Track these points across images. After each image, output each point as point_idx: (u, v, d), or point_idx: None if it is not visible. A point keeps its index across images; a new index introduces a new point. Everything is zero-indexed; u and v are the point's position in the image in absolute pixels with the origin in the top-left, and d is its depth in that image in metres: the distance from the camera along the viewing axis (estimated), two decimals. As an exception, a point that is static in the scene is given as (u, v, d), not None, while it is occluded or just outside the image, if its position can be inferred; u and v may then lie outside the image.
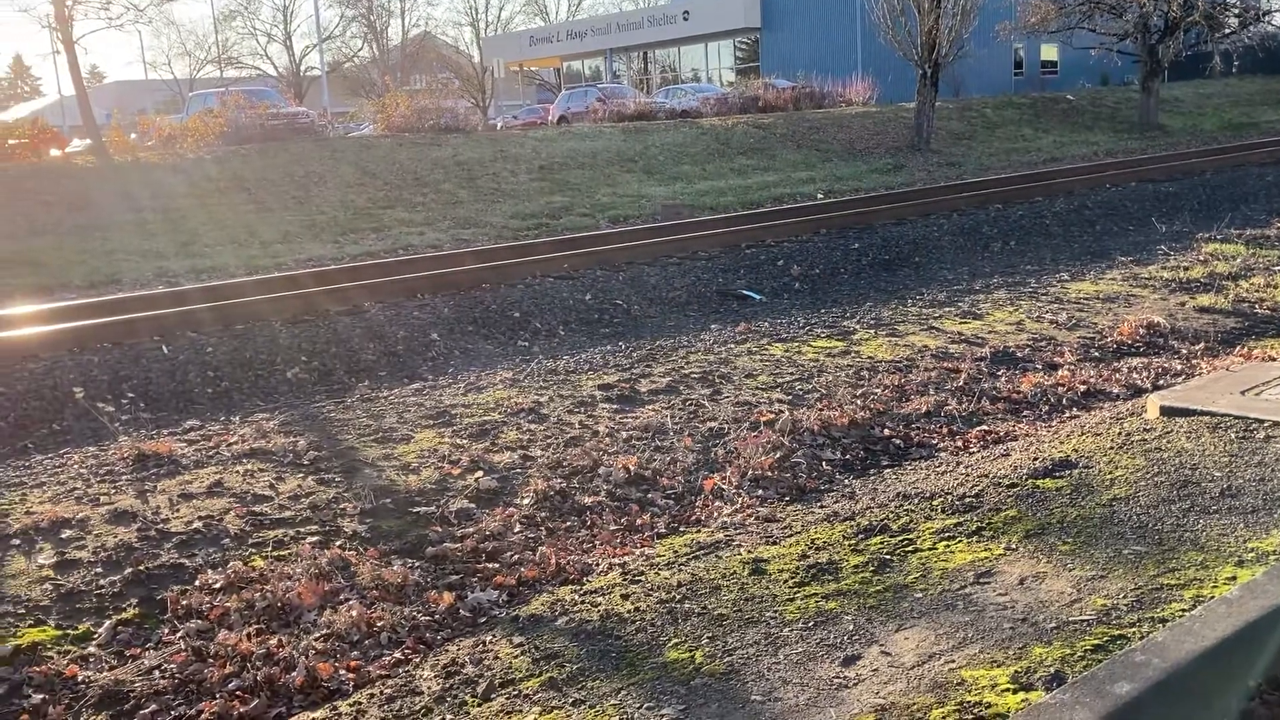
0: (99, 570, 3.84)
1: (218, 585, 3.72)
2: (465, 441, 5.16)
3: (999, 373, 6.14)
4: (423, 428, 5.39)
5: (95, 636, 3.46)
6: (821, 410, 5.36)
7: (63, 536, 4.10)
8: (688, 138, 23.16)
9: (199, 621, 3.51)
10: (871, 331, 7.27)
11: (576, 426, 5.36)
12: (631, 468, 4.71)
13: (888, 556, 3.45)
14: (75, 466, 4.98)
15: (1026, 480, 4.02)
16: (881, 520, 3.79)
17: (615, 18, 58.38)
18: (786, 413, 5.32)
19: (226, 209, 16.43)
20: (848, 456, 4.88)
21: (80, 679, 3.22)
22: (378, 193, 17.77)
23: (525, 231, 14.43)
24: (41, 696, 3.14)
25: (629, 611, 3.24)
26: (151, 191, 17.24)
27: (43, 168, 19.02)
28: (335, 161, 19.61)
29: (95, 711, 3.08)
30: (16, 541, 4.06)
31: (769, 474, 4.62)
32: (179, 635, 3.43)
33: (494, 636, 3.25)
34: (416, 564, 3.94)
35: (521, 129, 32.18)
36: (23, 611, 3.55)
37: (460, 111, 27.73)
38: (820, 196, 16.50)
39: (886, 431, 5.16)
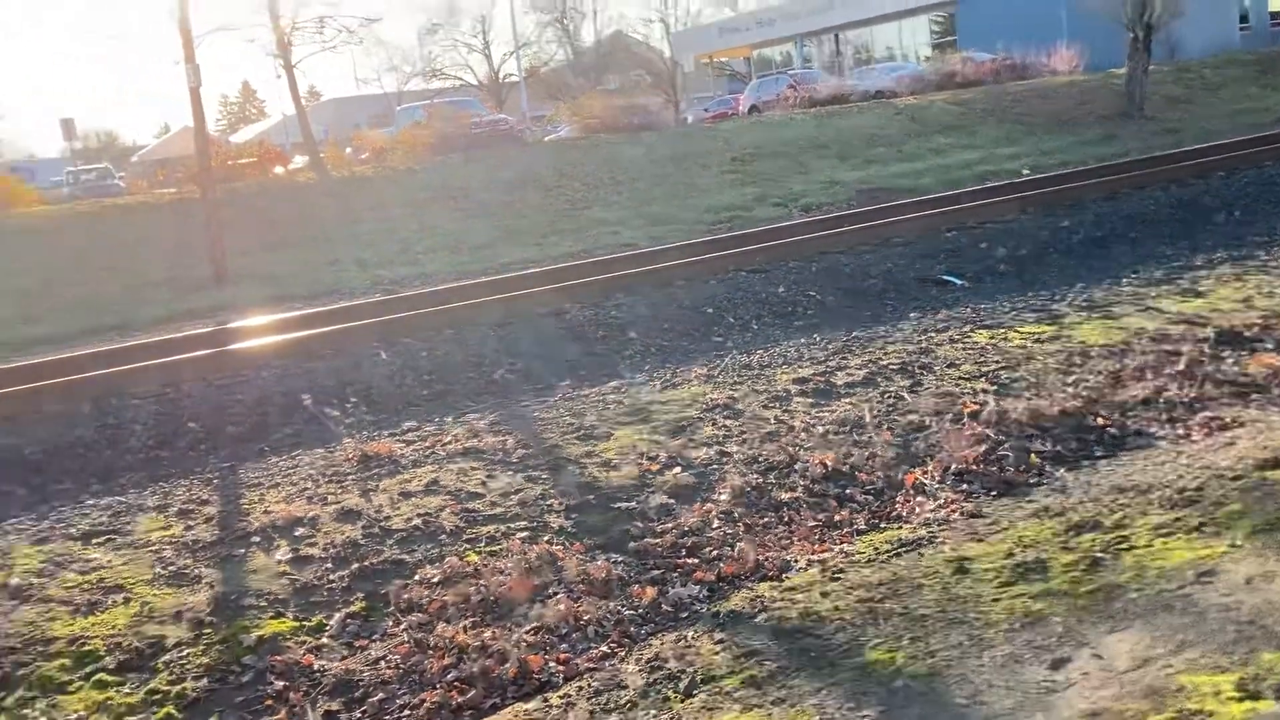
0: (329, 565, 4.13)
1: (435, 580, 3.93)
2: (663, 438, 5.25)
3: (1224, 354, 5.75)
4: (622, 425, 5.51)
5: (327, 628, 3.72)
6: (1030, 400, 5.17)
7: (296, 534, 4.43)
8: (882, 119, 22.65)
9: (419, 615, 3.72)
10: (1083, 314, 6.94)
11: (772, 421, 5.37)
12: (829, 463, 4.69)
13: (1100, 554, 3.31)
14: (306, 468, 5.36)
15: (1254, 472, 3.77)
16: (1094, 516, 3.63)
17: (805, 2, 57.60)
18: (992, 403, 5.16)
19: (435, 217, 17.22)
20: (1058, 448, 4.69)
21: (315, 668, 3.48)
22: (575, 194, 18.21)
23: (718, 225, 14.48)
24: (283, 684, 3.41)
25: (828, 610, 3.24)
26: (366, 203, 18.26)
27: (269, 185, 20.46)
28: (534, 165, 20.22)
29: (330, 699, 3.33)
30: (257, 539, 4.41)
31: (973, 468, 4.50)
32: (401, 628, 3.66)
33: (695, 632, 3.31)
34: (619, 559, 4.05)
35: (712, 121, 32.23)
36: (264, 604, 3.86)
37: (652, 108, 28.06)
38: (1025, 173, 15.82)
39: (1100, 420, 4.92)
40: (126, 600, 3.93)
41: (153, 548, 4.42)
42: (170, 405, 6.98)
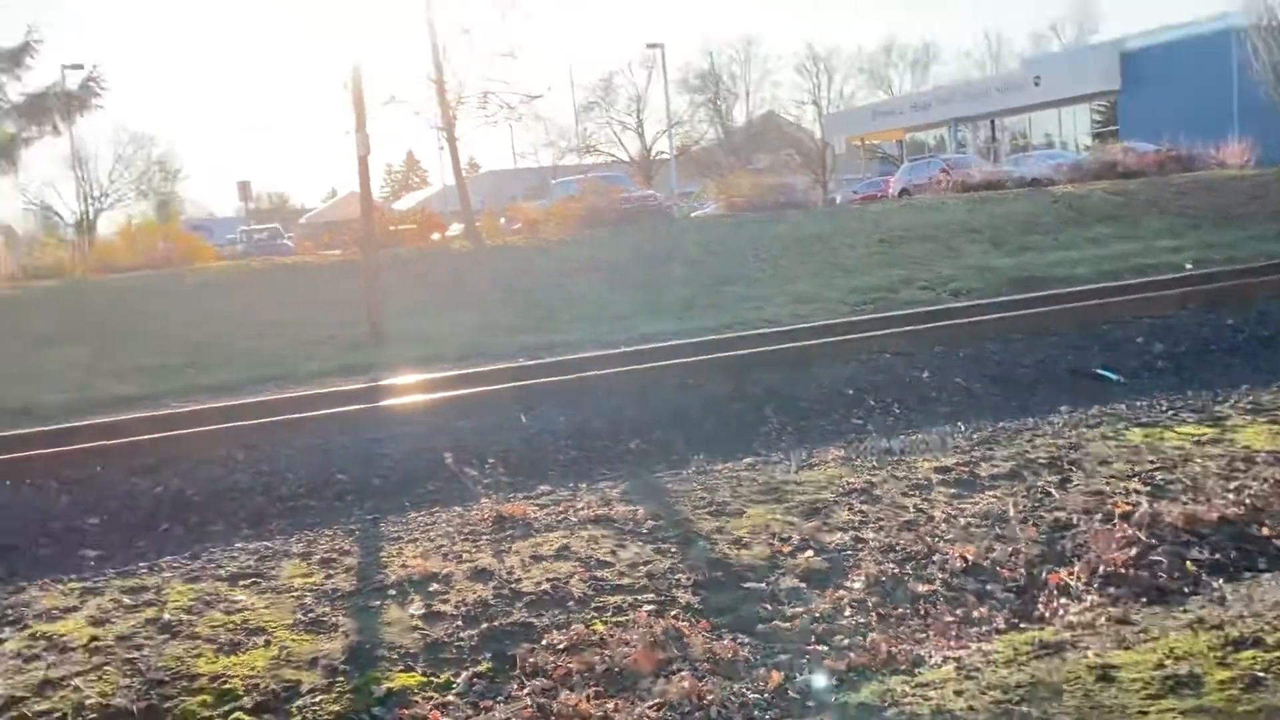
0: (459, 623, 4.19)
1: (561, 646, 3.95)
2: (796, 519, 5.17)
3: None
4: (754, 503, 5.46)
5: (454, 686, 3.77)
6: (1187, 504, 4.91)
7: (430, 589, 4.52)
8: (1038, 206, 22.17)
9: (544, 680, 3.74)
10: (1248, 417, 6.58)
11: (911, 510, 5.24)
12: (969, 556, 4.54)
13: (1261, 673, 3.10)
14: (443, 524, 5.48)
15: None
16: (1255, 632, 3.41)
17: (960, 87, 57.20)
18: (1145, 505, 4.92)
19: (581, 287, 17.58)
20: (1217, 556, 4.43)
21: (440, 724, 3.52)
22: (718, 270, 18.35)
23: (862, 306, 14.35)
24: (408, 737, 3.46)
25: (962, 709, 3.12)
26: (516, 272, 18.79)
27: (427, 251, 21.29)
28: (680, 241, 20.49)
29: (452, 755, 3.35)
30: (393, 592, 4.52)
31: (1123, 571, 4.28)
32: (526, 691, 3.67)
33: (821, 721, 3.22)
34: (746, 640, 3.99)
35: (861, 202, 32.09)
36: (395, 657, 3.94)
37: (800, 187, 28.18)
38: (1189, 267, 15.21)
39: (1265, 531, 4.64)
40: (267, 643, 4.07)
41: (294, 593, 4.57)
42: (321, 456, 7.26)
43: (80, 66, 21.49)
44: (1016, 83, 49.69)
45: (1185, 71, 40.57)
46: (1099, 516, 4.89)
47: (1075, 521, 4.88)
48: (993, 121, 52.14)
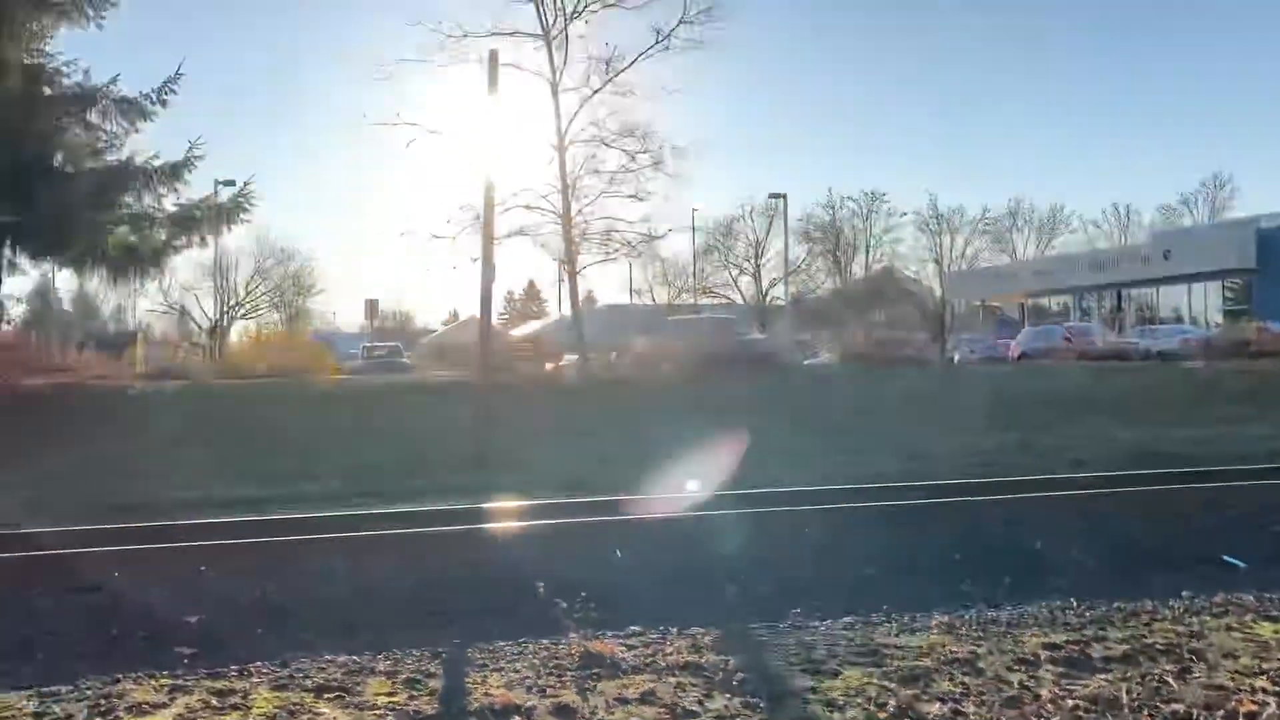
0: (537, 760, 4.08)
1: (638, 795, 3.80)
2: (894, 685, 4.95)
3: None
4: (850, 664, 5.26)
5: (525, 826, 3.65)
6: (1320, 710, 4.55)
7: (511, 721, 4.43)
8: (1164, 380, 21.55)
9: (617, 830, 3.59)
10: (1391, 622, 6.12)
11: (1015, 686, 4.96)
12: (1077, 743, 4.25)
13: None
14: (530, 656, 5.40)
15: None
16: None
17: (1086, 256, 56.72)
18: (1273, 706, 4.57)
19: (689, 428, 17.58)
20: (1354, 772, 4.07)
21: None
22: (828, 420, 18.18)
23: (974, 468, 13.98)
24: None
25: None
26: (624, 406, 18.93)
27: (538, 379, 21.67)
28: (788, 388, 20.44)
29: None
30: (473, 719, 4.45)
31: (1247, 778, 3.96)
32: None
33: None
34: (832, 810, 3.78)
35: (979, 364, 31.65)
36: (469, 788, 3.84)
37: (917, 344, 27.97)
38: (1325, 455, 14.46)
39: None
40: (343, 760, 4.02)
41: (378, 711, 4.53)
42: (417, 574, 7.28)
43: (232, 182, 22.90)
44: (1145, 255, 48.99)
45: (1323, 253, 39.51)
46: (1221, 714, 4.56)
47: (1195, 716, 4.55)
48: (1119, 292, 51.29)
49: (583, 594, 6.90)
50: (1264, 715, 4.47)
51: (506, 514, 9.53)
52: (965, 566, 7.85)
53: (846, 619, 6.32)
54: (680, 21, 22.94)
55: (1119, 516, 9.22)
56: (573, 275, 24.56)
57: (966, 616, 6.28)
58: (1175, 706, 4.68)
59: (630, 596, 7.03)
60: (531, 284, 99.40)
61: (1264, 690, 4.88)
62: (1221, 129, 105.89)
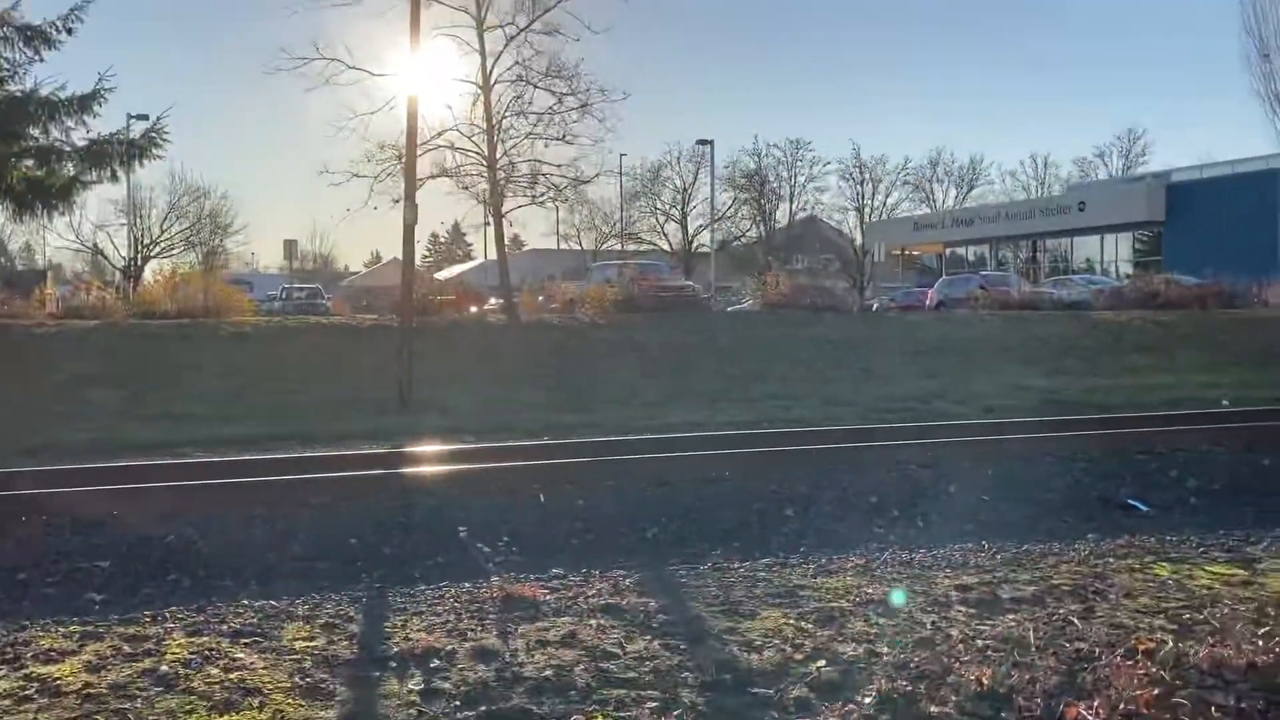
0: (457, 704, 4.09)
1: (558, 736, 3.83)
2: (810, 626, 5.05)
3: None
4: (769, 605, 5.35)
5: (445, 767, 3.66)
6: (1213, 646, 4.75)
7: (432, 665, 4.43)
8: (1075, 330, 22.10)
9: (537, 770, 3.62)
10: (1281, 562, 6.41)
11: (928, 627, 5.10)
12: (985, 680, 4.39)
13: (1288, 836, 2.95)
14: (450, 600, 5.40)
15: None
16: (1282, 790, 3.26)
17: (1004, 206, 57.69)
18: (1170, 643, 4.77)
19: (613, 370, 17.62)
20: (1243, 705, 4.26)
21: (427, 806, 3.41)
22: (750, 365, 18.35)
23: (891, 414, 14.26)
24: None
25: (969, 843, 2.98)
26: (549, 350, 18.88)
27: (463, 322, 21.47)
28: (714, 333, 20.55)
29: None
30: (393, 664, 4.44)
31: (1144, 711, 4.13)
32: (518, 780, 3.56)
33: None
34: (749, 748, 3.86)
35: (898, 312, 32.16)
36: (389, 731, 3.84)
37: (837, 291, 28.28)
38: (1226, 404, 15.03)
39: (1294, 682, 4.47)
40: (261, 705, 3.99)
41: (295, 656, 4.50)
42: (336, 519, 7.22)
43: (145, 117, 22.11)
44: (1061, 206, 49.99)
45: (1231, 208, 40.73)
46: (1121, 651, 4.74)
47: (1097, 654, 4.73)
48: (1034, 242, 52.37)
49: (505, 538, 6.91)
50: (1161, 652, 4.66)
51: (427, 458, 9.46)
52: (880, 510, 8.02)
53: (765, 560, 6.43)
54: (608, -42, 22.54)
55: (1030, 462, 9.48)
56: (498, 218, 24.24)
57: (882, 559, 6.43)
58: (1079, 645, 4.85)
59: (552, 541, 7.06)
60: (456, 227, 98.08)
61: (1162, 629, 5.09)
62: (1136, 84, 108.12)
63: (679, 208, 60.76)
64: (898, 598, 5.52)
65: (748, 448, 9.83)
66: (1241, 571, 6.17)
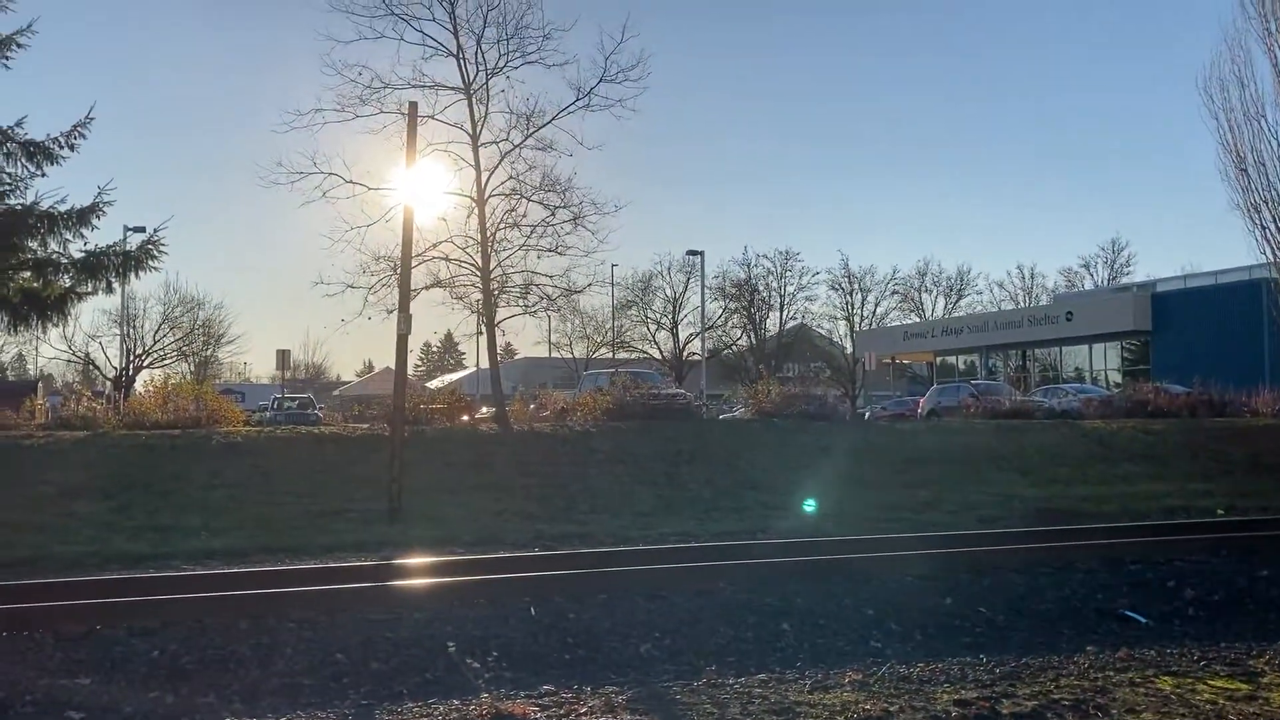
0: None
1: None
2: (808, 744, 4.94)
3: None
4: (765, 723, 5.24)
5: None
6: (1219, 764, 4.65)
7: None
8: (1067, 439, 22.12)
9: None
10: (1283, 675, 6.31)
11: (928, 744, 4.99)
12: (987, 801, 4.28)
13: None
14: (439, 718, 5.28)
15: None
16: None
17: (993, 316, 58.33)
18: (1175, 761, 4.67)
19: (604, 479, 17.50)
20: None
21: None
22: (742, 474, 18.26)
23: (884, 523, 14.15)
24: None
25: None
26: (540, 459, 18.78)
27: (454, 432, 21.40)
28: (705, 441, 20.50)
29: None
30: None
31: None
32: None
33: None
34: None
35: (889, 420, 32.20)
36: None
37: (829, 400, 28.31)
38: (1221, 513, 14.98)
39: (1303, 802, 4.36)
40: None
41: (277, 778, 4.37)
42: (323, 633, 7.08)
43: (142, 229, 22.40)
44: (1049, 316, 50.54)
45: (1216, 318, 41.22)
46: (1126, 770, 4.64)
47: (1101, 773, 4.62)
48: (1024, 351, 52.77)
49: (495, 653, 6.78)
50: (1166, 770, 4.55)
51: (416, 571, 9.34)
52: (877, 623, 7.90)
53: (760, 676, 6.31)
54: (600, 80, 23.06)
55: (1026, 573, 9.39)
56: (490, 328, 24.39)
57: (879, 674, 6.32)
58: (1081, 762, 4.75)
59: (543, 655, 6.93)
60: (449, 336, 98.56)
61: (1165, 745, 4.98)
62: (1119, 195, 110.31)
63: (670, 316, 61.23)
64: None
65: (741, 559, 9.73)
66: (1245, 686, 6.08)
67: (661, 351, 60.59)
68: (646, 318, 61.72)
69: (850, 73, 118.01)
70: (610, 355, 58.33)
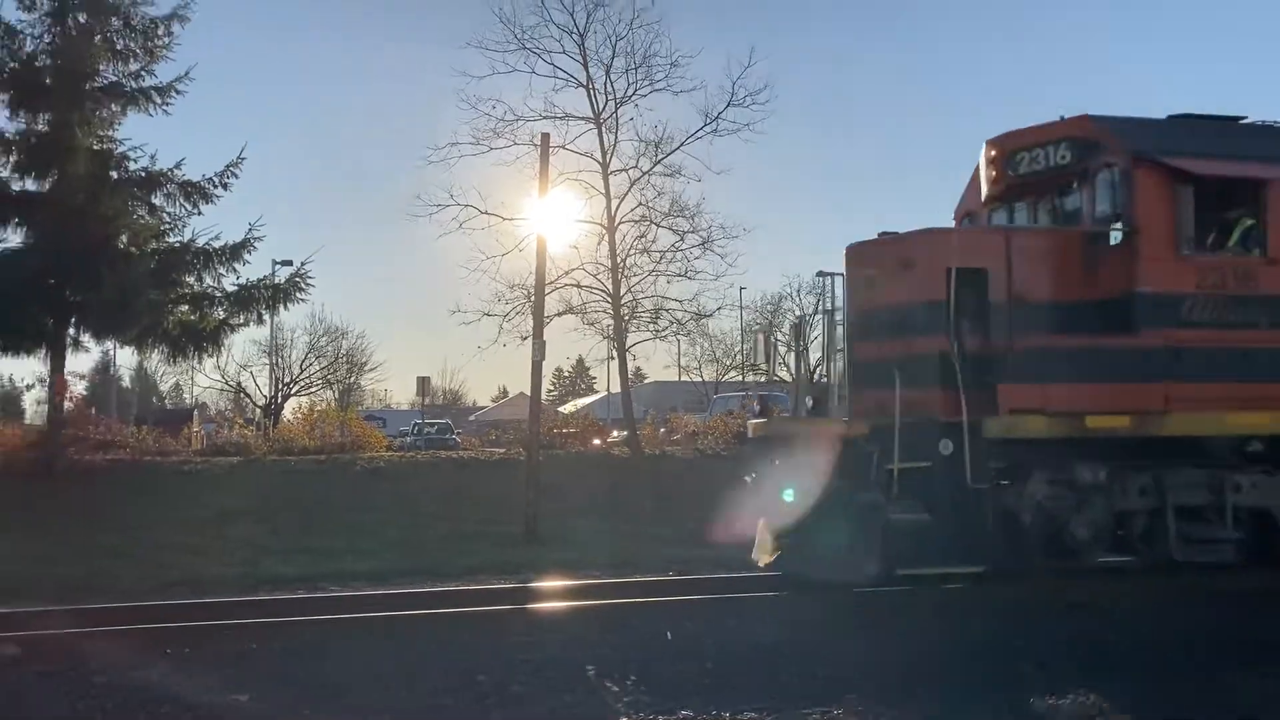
0: None
1: None
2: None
3: None
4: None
5: None
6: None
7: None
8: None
9: None
10: None
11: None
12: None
13: None
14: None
15: None
16: None
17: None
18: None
19: (728, 503, 17.42)
20: None
21: None
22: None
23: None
24: None
25: None
26: (672, 482, 18.83)
27: (586, 456, 21.68)
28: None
29: None
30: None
31: None
32: None
33: None
34: None
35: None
36: None
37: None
38: None
39: None
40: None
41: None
42: (462, 654, 7.23)
43: (289, 262, 23.35)
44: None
45: None
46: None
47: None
48: None
49: (633, 676, 6.81)
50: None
51: (555, 594, 9.47)
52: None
53: (892, 712, 6.17)
54: (728, 104, 23.14)
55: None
56: (622, 353, 24.61)
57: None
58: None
59: (680, 680, 6.92)
60: (580, 361, 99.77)
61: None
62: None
63: (801, 340, 60.68)
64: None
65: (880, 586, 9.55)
66: None
67: (792, 373, 59.99)
68: (776, 340, 61.33)
69: (974, 95, 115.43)
70: (740, 378, 58.11)
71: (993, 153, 10.77)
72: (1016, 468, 9.33)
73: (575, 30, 22.84)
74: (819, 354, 11.77)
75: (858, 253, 10.35)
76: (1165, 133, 10.33)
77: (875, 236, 10.39)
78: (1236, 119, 10.87)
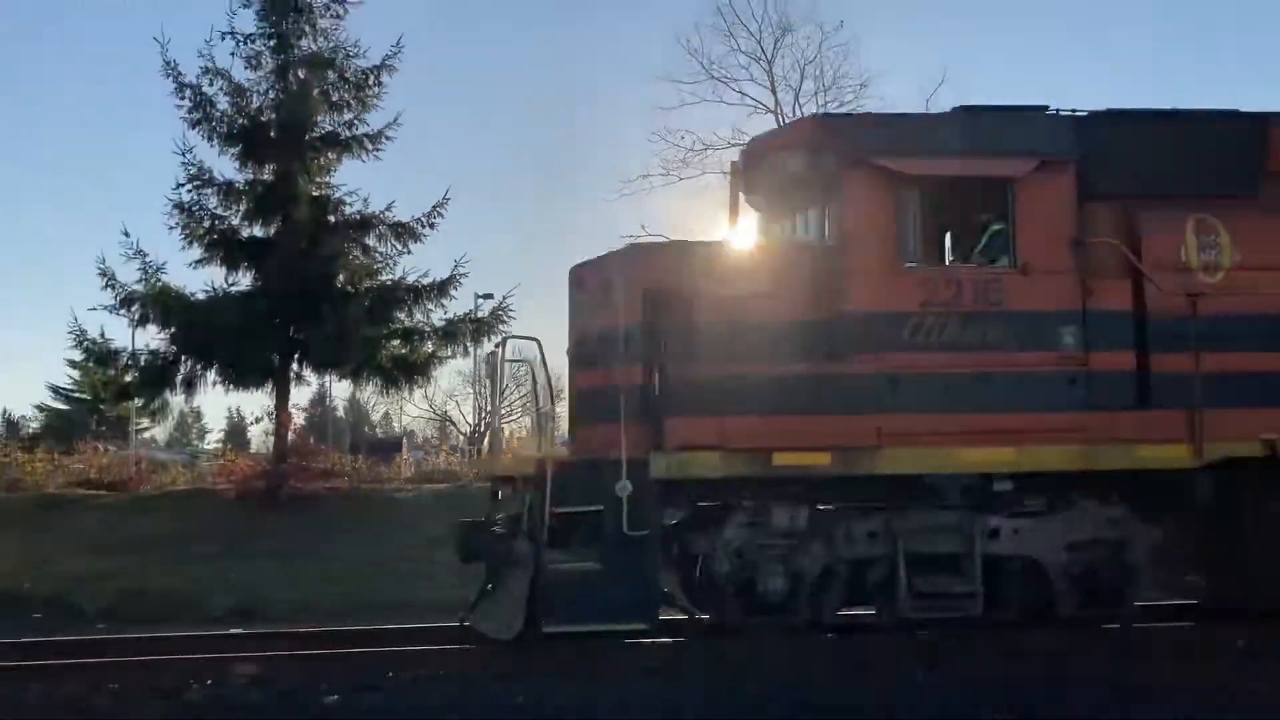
0: None
1: None
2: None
3: None
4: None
5: None
6: None
7: None
8: None
9: None
10: None
11: None
12: None
13: None
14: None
15: None
16: None
17: None
18: None
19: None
20: None
21: None
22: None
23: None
24: None
25: None
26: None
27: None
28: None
29: None
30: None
31: None
32: None
33: None
34: None
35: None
36: None
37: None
38: None
39: None
40: None
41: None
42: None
43: (490, 296, 24.19)
44: None
45: None
46: None
47: None
48: None
49: None
50: None
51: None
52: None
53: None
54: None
55: None
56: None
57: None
58: None
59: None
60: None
61: None
62: None
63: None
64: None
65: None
66: None
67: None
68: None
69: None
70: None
71: (734, 164, 9.89)
72: (715, 511, 8.63)
73: (763, 56, 22.94)
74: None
75: (576, 274, 9.66)
76: (902, 130, 9.19)
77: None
78: (1040, 109, 9.31)
